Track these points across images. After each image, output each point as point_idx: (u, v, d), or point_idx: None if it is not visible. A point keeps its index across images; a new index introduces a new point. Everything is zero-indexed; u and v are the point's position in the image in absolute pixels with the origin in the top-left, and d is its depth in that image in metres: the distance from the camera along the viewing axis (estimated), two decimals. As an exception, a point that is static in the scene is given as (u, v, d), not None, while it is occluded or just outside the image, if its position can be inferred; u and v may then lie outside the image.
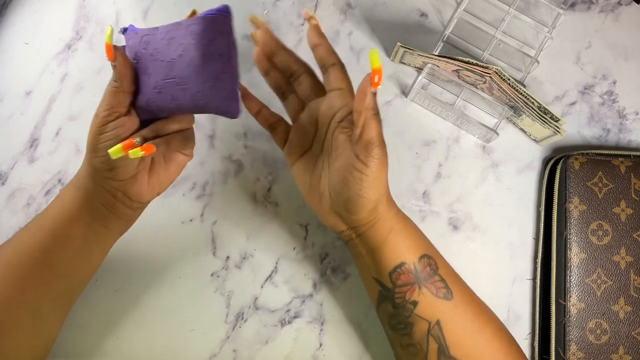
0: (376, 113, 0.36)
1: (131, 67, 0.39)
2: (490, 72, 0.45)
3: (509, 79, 0.45)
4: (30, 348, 0.40)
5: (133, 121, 0.39)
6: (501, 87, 0.46)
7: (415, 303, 0.39)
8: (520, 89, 0.45)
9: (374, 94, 0.35)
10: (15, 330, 0.38)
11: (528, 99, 0.45)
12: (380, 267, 0.40)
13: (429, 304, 0.39)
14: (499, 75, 0.45)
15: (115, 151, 0.37)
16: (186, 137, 0.43)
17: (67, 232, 0.40)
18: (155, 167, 0.42)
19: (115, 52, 0.38)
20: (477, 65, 0.45)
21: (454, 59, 0.46)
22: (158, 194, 0.43)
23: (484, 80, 0.47)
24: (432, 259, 0.40)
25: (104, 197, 0.40)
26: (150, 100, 0.40)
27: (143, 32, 0.40)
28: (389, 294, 0.41)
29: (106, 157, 0.38)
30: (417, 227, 0.42)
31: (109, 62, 0.38)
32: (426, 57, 0.48)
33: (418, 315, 0.39)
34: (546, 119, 0.46)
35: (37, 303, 0.39)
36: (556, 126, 0.46)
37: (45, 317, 0.40)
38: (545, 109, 0.45)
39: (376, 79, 0.34)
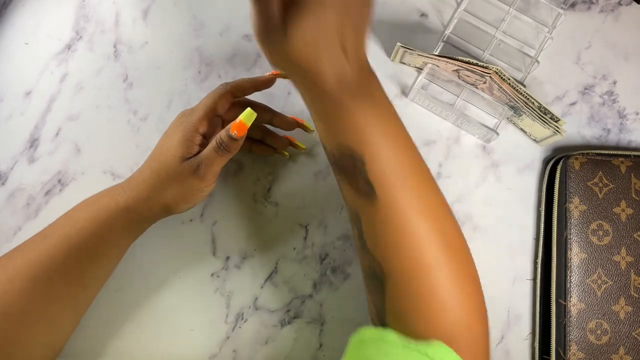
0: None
1: None
2: (490, 72, 0.45)
3: (509, 79, 0.45)
4: (43, 356, 0.40)
5: None
6: (501, 87, 0.46)
7: (339, 184, 0.38)
8: (521, 89, 0.45)
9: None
10: (32, 342, 0.38)
11: (528, 99, 0.45)
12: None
13: (349, 193, 0.36)
14: (499, 75, 0.45)
15: None
16: None
17: (106, 253, 0.41)
18: None
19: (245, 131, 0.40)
20: (477, 65, 0.45)
21: (454, 59, 0.46)
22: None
23: (484, 80, 0.47)
24: (356, 159, 0.34)
25: (156, 219, 0.43)
26: None
27: None
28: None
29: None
30: (370, 119, 0.36)
31: (231, 135, 0.39)
32: (426, 57, 0.47)
33: (343, 196, 0.38)
34: (546, 119, 0.46)
35: (59, 316, 0.40)
36: (556, 126, 0.46)
37: (63, 326, 0.41)
38: (545, 109, 0.45)
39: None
